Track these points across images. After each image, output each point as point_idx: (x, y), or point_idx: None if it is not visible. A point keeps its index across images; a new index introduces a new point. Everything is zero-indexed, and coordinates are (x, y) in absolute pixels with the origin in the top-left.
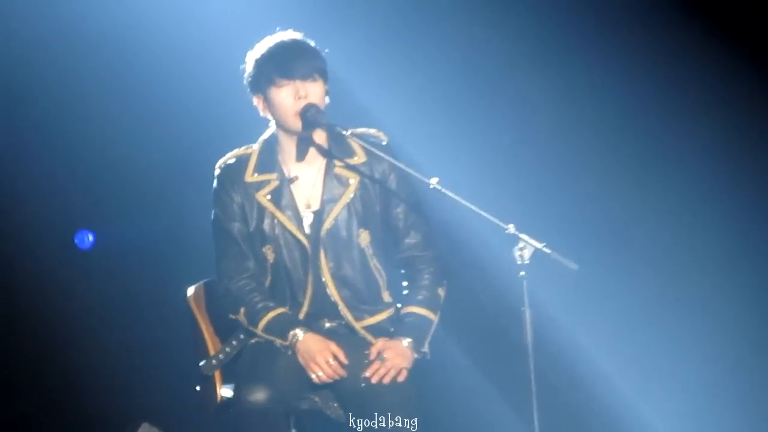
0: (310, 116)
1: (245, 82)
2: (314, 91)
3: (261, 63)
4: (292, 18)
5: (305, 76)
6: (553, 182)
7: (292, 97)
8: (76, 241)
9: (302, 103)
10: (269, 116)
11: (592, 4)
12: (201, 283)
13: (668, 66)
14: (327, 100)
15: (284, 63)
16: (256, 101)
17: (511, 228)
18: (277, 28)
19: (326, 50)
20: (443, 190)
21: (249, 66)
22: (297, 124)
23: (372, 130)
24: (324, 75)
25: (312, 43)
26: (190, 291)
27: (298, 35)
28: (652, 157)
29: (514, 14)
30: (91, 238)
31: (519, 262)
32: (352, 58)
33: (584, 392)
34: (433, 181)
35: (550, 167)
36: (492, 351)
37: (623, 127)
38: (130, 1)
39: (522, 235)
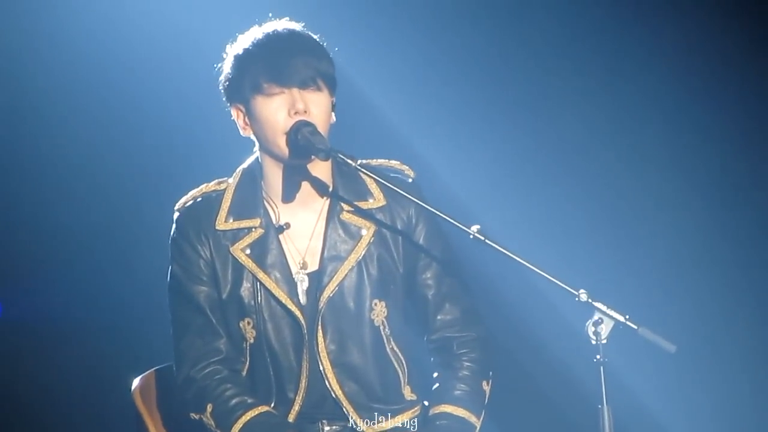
0: (301, 138)
1: (221, 86)
2: (316, 104)
3: (244, 61)
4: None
5: (305, 83)
6: (638, 239)
7: (284, 110)
8: None
9: (297, 120)
10: (252, 135)
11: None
12: (151, 371)
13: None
14: (333, 117)
15: (277, 62)
16: (235, 114)
17: (582, 295)
18: (269, 15)
19: (336, 49)
20: (488, 241)
21: (227, 65)
22: (287, 149)
23: (394, 162)
24: (331, 83)
25: (316, 38)
26: (136, 382)
27: (297, 26)
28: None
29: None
30: None
31: (594, 341)
32: (373, 63)
33: None
34: (474, 229)
35: (633, 216)
36: None
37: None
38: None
39: (598, 305)
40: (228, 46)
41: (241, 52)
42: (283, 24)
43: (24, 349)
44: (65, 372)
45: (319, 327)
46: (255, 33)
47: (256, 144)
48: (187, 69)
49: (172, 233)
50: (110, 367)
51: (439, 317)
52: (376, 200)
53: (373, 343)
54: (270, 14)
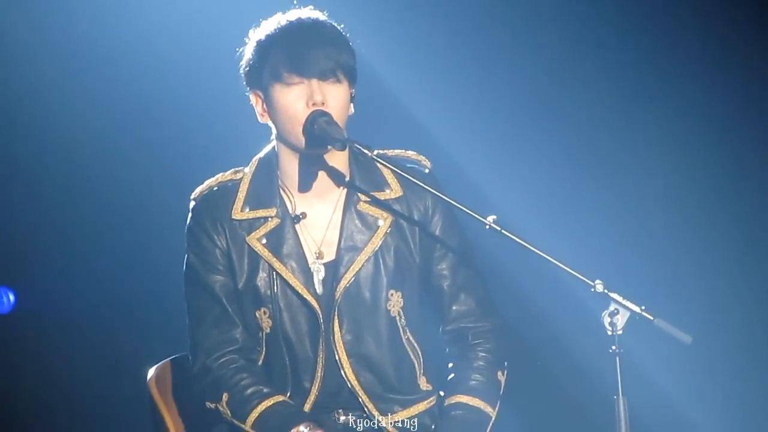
0: (317, 128)
1: (241, 71)
2: (335, 96)
3: (266, 48)
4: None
5: (325, 74)
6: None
7: (303, 100)
8: None
9: (313, 110)
10: (270, 123)
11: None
12: (167, 360)
13: None
14: (352, 109)
15: (298, 52)
16: (254, 100)
17: (598, 286)
18: (294, 3)
19: (358, 41)
20: (504, 231)
21: (249, 50)
22: (304, 139)
23: (410, 153)
24: (351, 75)
25: (339, 28)
26: (152, 372)
27: (320, 15)
28: None
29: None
30: (11, 298)
31: (609, 332)
32: (391, 52)
33: None
34: (490, 220)
35: (647, 208)
36: None
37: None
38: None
39: (614, 295)
40: (251, 31)
41: (263, 38)
42: (306, 13)
43: (38, 340)
44: (80, 362)
45: (335, 317)
46: (278, 20)
47: (273, 132)
48: (202, 57)
49: (188, 222)
50: (125, 356)
51: (454, 308)
52: (393, 191)
53: (389, 333)
54: (294, 1)
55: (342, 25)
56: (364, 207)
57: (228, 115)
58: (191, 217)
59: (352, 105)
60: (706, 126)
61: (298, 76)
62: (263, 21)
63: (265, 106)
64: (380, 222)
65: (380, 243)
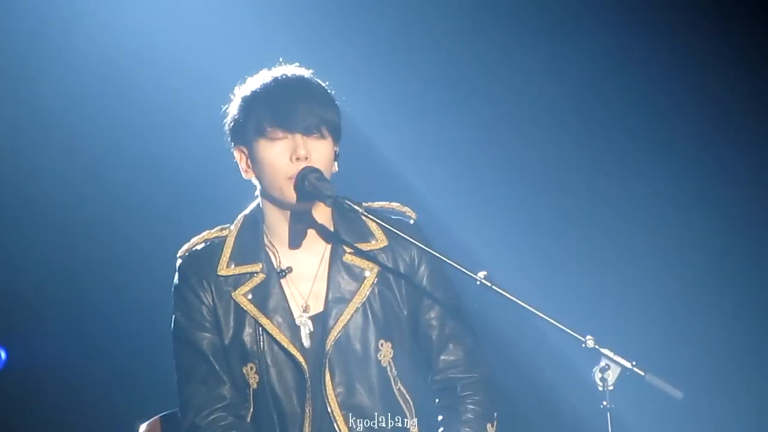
0: (308, 185)
1: (226, 127)
2: (319, 152)
3: (251, 104)
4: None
5: (309, 129)
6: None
7: (287, 155)
8: None
9: (300, 166)
10: (253, 179)
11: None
12: (157, 417)
13: None
14: (336, 166)
15: (282, 107)
16: (238, 156)
17: (589, 341)
18: (279, 60)
19: (343, 98)
20: (494, 287)
21: (234, 106)
22: (290, 194)
23: (395, 204)
24: (336, 132)
25: (324, 86)
26: (142, 429)
27: (305, 72)
28: None
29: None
30: (2, 355)
31: (600, 388)
32: (375, 104)
33: None
34: (481, 275)
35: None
36: None
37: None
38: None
39: (605, 351)
40: (236, 88)
41: (248, 94)
42: (292, 69)
43: (29, 398)
44: (71, 419)
45: (327, 370)
46: (263, 76)
47: (257, 188)
48: (186, 115)
49: (174, 281)
50: (116, 413)
51: (442, 357)
52: (379, 241)
53: (380, 383)
54: (280, 59)
55: (327, 83)
56: (349, 258)
57: (213, 172)
58: (178, 276)
59: (336, 163)
60: (696, 178)
61: (282, 131)
62: (248, 78)
63: (249, 161)
64: (367, 273)
65: (368, 293)
